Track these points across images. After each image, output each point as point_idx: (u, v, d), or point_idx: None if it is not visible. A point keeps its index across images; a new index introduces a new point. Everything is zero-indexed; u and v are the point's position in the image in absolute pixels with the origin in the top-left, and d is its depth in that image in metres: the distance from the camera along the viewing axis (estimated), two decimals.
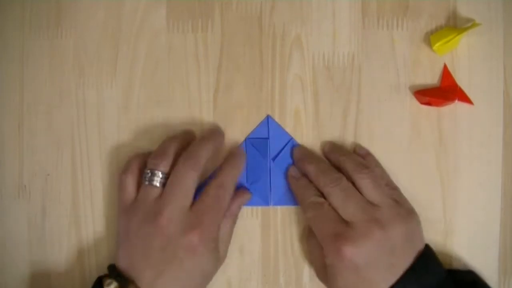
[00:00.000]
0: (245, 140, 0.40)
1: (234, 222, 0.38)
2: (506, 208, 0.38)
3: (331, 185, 0.35)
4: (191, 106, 0.40)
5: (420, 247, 0.35)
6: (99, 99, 0.41)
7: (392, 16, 0.39)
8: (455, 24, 0.39)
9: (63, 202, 0.41)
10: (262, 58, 0.40)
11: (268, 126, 0.39)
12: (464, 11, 0.38)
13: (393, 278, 0.33)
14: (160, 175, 0.35)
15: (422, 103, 0.39)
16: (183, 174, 0.35)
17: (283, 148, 0.39)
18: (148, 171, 0.35)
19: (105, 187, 0.41)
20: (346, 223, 0.34)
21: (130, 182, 0.36)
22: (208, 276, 0.36)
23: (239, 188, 0.39)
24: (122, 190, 0.37)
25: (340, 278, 0.33)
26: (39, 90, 0.41)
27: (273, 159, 0.39)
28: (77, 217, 0.41)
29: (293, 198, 0.39)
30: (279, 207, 0.39)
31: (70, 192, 0.41)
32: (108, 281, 0.34)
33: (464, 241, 0.38)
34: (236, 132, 0.40)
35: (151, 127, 0.40)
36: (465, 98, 0.38)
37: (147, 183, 0.35)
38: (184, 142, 0.38)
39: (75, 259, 0.41)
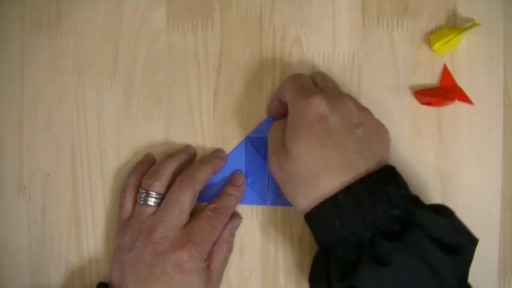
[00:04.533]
0: (245, 138, 0.40)
1: (228, 250, 0.38)
2: (506, 208, 0.38)
3: None
4: (191, 106, 0.40)
5: (385, 145, 0.34)
6: (99, 99, 0.41)
7: (392, 16, 0.39)
8: (455, 24, 0.39)
9: (63, 202, 0.41)
10: (262, 58, 0.40)
11: (269, 126, 0.39)
12: (464, 11, 0.38)
13: (358, 162, 0.31)
14: (154, 195, 0.36)
15: (422, 103, 0.39)
16: (179, 193, 0.35)
17: None
18: (143, 191, 0.36)
19: (105, 187, 0.41)
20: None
21: (128, 201, 0.37)
22: None
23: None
24: (120, 208, 0.38)
25: (303, 133, 0.31)
26: (39, 90, 0.41)
27: None
28: (77, 217, 0.41)
29: None
30: (279, 207, 0.39)
31: (70, 192, 0.41)
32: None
33: None
34: (236, 132, 0.40)
35: (151, 127, 0.40)
36: (465, 98, 0.38)
37: (142, 202, 0.36)
38: (183, 162, 0.38)
39: (75, 259, 0.41)
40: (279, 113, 0.38)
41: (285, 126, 0.34)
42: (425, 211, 0.30)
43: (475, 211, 0.38)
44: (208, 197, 0.38)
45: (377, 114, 0.39)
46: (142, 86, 0.41)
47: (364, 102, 0.39)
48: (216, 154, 0.39)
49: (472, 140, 0.38)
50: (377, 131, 0.33)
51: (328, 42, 0.39)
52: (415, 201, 0.31)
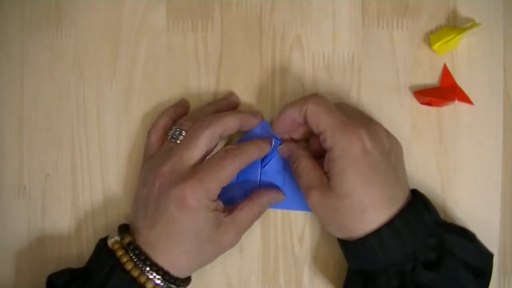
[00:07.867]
0: (238, 141, 0.39)
1: (258, 212, 0.36)
2: (506, 208, 0.38)
3: None
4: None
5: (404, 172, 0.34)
6: (99, 99, 0.41)
7: (392, 16, 0.39)
8: (455, 24, 0.39)
9: (63, 202, 0.41)
10: (262, 58, 0.40)
11: (263, 129, 0.38)
12: (464, 11, 0.38)
13: (397, 195, 0.32)
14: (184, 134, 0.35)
15: (422, 103, 0.39)
16: (196, 130, 0.34)
17: (274, 155, 0.38)
18: (177, 129, 0.35)
19: (105, 187, 0.41)
20: None
21: (153, 140, 0.37)
22: (205, 240, 0.33)
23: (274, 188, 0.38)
24: (146, 147, 0.37)
25: (349, 170, 0.31)
26: (39, 90, 0.41)
27: (264, 166, 0.38)
28: (77, 217, 0.41)
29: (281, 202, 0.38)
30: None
31: (70, 192, 0.41)
32: (112, 235, 0.35)
33: None
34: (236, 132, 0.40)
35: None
36: (465, 98, 0.38)
37: (172, 139, 0.35)
38: (221, 109, 0.37)
39: (75, 259, 0.41)
40: (288, 131, 0.37)
41: (313, 163, 0.34)
42: (455, 237, 0.32)
43: (475, 211, 0.38)
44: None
45: (377, 115, 0.39)
46: (142, 86, 0.41)
47: (364, 102, 0.39)
48: (254, 114, 0.37)
49: (472, 140, 0.38)
50: (400, 154, 0.34)
51: (328, 42, 0.39)
52: (444, 226, 0.33)
